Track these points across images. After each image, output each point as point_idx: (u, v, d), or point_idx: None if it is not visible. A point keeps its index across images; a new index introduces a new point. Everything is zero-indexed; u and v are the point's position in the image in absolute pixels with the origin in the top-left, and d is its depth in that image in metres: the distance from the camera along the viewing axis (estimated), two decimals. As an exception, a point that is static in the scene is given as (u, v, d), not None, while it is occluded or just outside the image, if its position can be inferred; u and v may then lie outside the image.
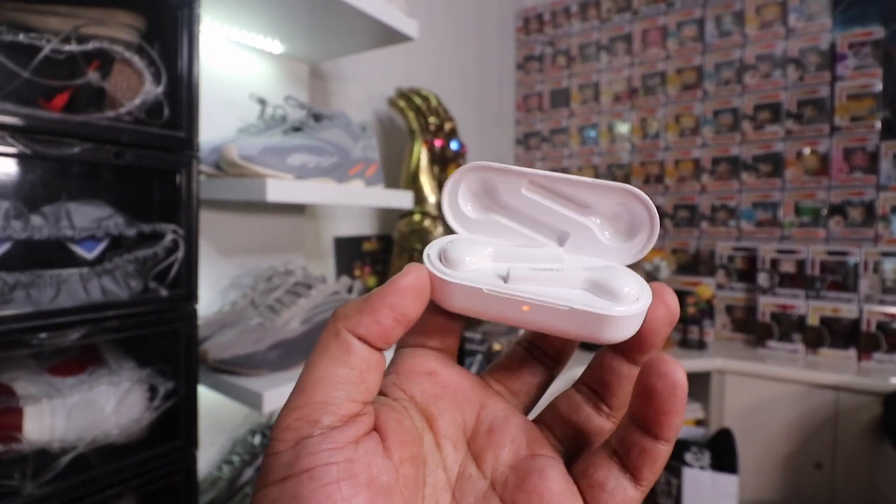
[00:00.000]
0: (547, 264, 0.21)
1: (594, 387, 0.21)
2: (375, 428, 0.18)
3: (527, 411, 0.23)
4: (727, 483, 1.14)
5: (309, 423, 0.17)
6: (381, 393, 0.21)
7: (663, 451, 0.17)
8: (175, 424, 0.60)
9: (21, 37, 0.46)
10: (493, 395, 0.22)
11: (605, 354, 0.21)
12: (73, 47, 0.48)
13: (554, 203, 0.23)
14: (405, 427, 0.19)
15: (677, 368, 0.16)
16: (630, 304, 0.19)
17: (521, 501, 0.18)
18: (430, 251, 0.21)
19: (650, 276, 1.52)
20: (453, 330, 0.22)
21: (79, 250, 0.53)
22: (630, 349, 0.20)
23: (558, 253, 0.22)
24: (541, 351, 0.23)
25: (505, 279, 0.20)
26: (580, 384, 0.22)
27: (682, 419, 0.17)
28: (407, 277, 0.18)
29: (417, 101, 1.23)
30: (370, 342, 0.18)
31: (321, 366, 0.18)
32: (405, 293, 0.18)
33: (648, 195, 0.22)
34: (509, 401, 0.22)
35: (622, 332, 0.19)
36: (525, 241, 0.23)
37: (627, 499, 0.18)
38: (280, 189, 0.70)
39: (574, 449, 0.21)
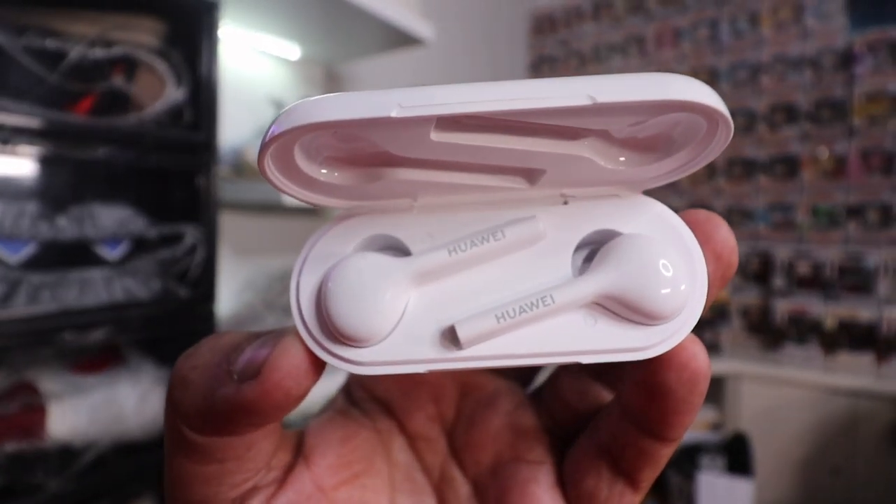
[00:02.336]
0: (518, 261, 0.13)
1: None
2: (304, 454, 0.15)
3: (529, 381, 0.18)
4: (742, 488, 1.13)
5: None
6: (346, 390, 0.18)
7: (668, 451, 0.13)
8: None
9: (49, 42, 0.47)
10: (480, 375, 0.17)
11: None
12: (98, 52, 0.49)
13: (504, 141, 0.12)
14: (353, 444, 0.16)
15: (699, 354, 0.12)
16: (674, 322, 0.12)
17: None
18: (302, 299, 0.12)
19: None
20: None
21: (102, 251, 0.54)
22: None
23: (533, 231, 0.13)
24: None
25: (454, 341, 0.12)
26: None
27: (696, 417, 0.13)
28: (268, 388, 0.11)
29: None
30: (232, 435, 0.13)
31: (178, 463, 0.13)
32: (264, 412, 0.11)
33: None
34: (504, 373, 0.18)
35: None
36: (460, 193, 0.13)
37: None
38: (297, 191, 0.70)
39: (577, 435, 0.16)
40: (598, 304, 0.12)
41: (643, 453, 0.13)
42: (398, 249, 0.13)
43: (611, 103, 0.10)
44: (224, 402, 0.11)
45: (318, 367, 0.12)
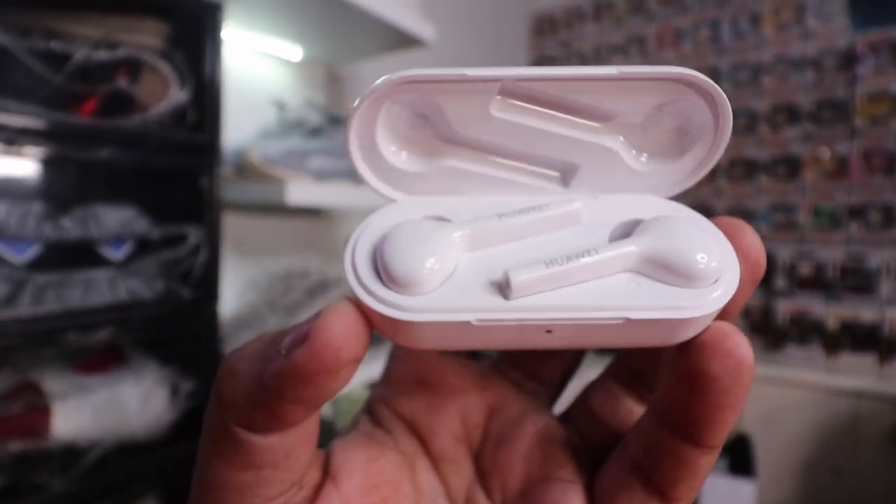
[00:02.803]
0: (560, 236, 0.13)
1: (638, 369, 0.16)
2: (331, 473, 0.15)
3: (555, 399, 0.18)
4: (745, 488, 1.13)
5: None
6: (368, 409, 0.17)
7: (708, 461, 0.13)
8: (196, 424, 0.61)
9: (53, 44, 0.47)
10: (507, 394, 0.17)
11: None
12: (103, 54, 0.50)
13: (547, 122, 0.14)
14: (380, 464, 0.15)
15: (742, 343, 0.11)
16: (714, 287, 0.12)
17: None
18: (357, 259, 0.13)
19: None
20: None
21: (106, 251, 0.54)
22: None
23: (572, 210, 0.14)
24: None
25: (503, 291, 0.12)
26: (619, 366, 0.16)
27: (737, 416, 0.12)
28: (318, 348, 0.11)
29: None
30: (279, 429, 0.12)
31: (215, 469, 0.13)
32: (315, 377, 0.11)
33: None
34: (533, 391, 0.17)
35: (702, 327, 0.12)
36: (504, 191, 0.15)
37: None
38: (299, 191, 0.71)
39: (609, 453, 0.15)
40: (639, 272, 0.12)
41: (680, 463, 0.12)
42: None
43: (632, 74, 0.12)
44: (274, 376, 0.11)
45: (367, 328, 0.12)
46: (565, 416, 0.17)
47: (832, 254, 1.38)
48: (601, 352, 1.06)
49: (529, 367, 0.17)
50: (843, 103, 1.44)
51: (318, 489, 0.14)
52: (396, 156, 0.14)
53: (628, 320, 0.12)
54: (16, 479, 0.48)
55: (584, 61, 1.89)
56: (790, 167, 1.52)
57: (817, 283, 1.39)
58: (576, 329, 0.12)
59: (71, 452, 0.52)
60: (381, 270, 0.12)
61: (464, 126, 0.14)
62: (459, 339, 0.12)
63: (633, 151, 0.14)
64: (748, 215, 1.58)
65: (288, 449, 0.13)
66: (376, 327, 0.12)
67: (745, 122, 1.59)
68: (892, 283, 1.32)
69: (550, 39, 1.97)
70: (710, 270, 0.12)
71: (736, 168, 1.60)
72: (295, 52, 0.94)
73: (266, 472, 0.13)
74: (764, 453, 1.26)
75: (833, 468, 1.22)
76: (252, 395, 0.12)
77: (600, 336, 0.12)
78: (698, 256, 0.12)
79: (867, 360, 1.31)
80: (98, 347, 0.58)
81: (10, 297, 0.47)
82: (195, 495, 0.13)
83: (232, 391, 0.12)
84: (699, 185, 1.37)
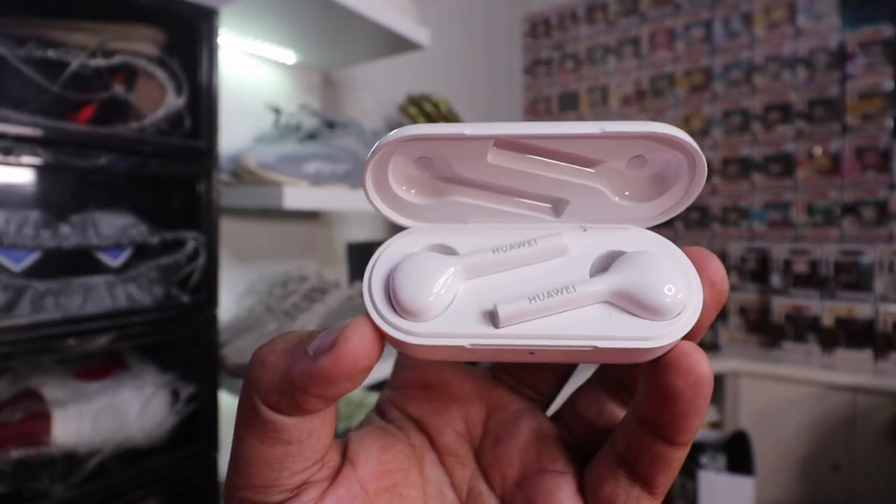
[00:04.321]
0: (547, 267, 0.16)
1: (620, 377, 0.18)
2: (349, 458, 0.17)
3: (548, 405, 0.20)
4: (743, 486, 1.14)
5: None
6: (379, 410, 0.20)
7: (680, 455, 0.15)
8: (196, 428, 0.61)
9: (50, 53, 0.48)
10: (504, 397, 0.19)
11: None
12: (99, 61, 0.50)
13: (539, 167, 0.16)
14: (392, 454, 0.17)
15: (701, 361, 0.13)
16: (677, 317, 0.14)
17: None
18: (373, 285, 0.15)
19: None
20: None
21: (105, 258, 0.54)
22: None
23: (558, 244, 0.16)
24: None
25: (493, 320, 0.14)
26: (604, 374, 0.18)
27: (703, 419, 0.14)
28: (346, 358, 0.13)
29: (428, 107, 1.24)
30: (301, 414, 0.15)
31: (248, 444, 0.15)
32: (336, 380, 0.13)
33: None
34: (528, 396, 0.19)
35: (668, 348, 0.14)
36: (502, 220, 0.17)
37: None
38: (296, 196, 0.71)
39: (596, 450, 0.18)
40: (612, 303, 0.14)
41: (657, 458, 0.15)
42: (453, 255, 0.16)
43: (613, 133, 0.14)
44: (301, 374, 0.14)
45: (381, 343, 0.14)
46: (556, 417, 0.19)
47: (827, 251, 1.39)
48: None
49: (524, 377, 0.19)
50: (834, 101, 1.46)
51: (337, 470, 0.16)
52: (407, 193, 0.16)
53: (596, 348, 0.14)
54: (17, 486, 0.48)
55: (577, 63, 1.90)
56: (784, 165, 1.53)
57: (812, 280, 1.40)
58: (554, 352, 0.14)
59: (72, 459, 0.53)
60: (393, 299, 0.14)
61: (464, 171, 0.16)
62: (457, 356, 0.15)
63: (617, 190, 0.16)
64: (743, 213, 1.59)
65: (310, 429, 0.15)
66: (389, 342, 0.15)
67: (739, 122, 1.60)
68: (886, 278, 1.33)
69: (544, 42, 1.98)
70: (674, 303, 0.14)
71: (730, 167, 1.61)
72: (289, 56, 0.95)
73: (293, 447, 0.15)
74: (762, 450, 1.26)
75: (831, 463, 1.22)
76: (279, 385, 0.14)
77: (576, 357, 0.15)
78: (664, 291, 0.14)
79: (863, 356, 1.32)
80: (97, 354, 0.58)
81: (9, 305, 0.47)
82: (231, 476, 0.15)
83: (261, 379, 0.14)
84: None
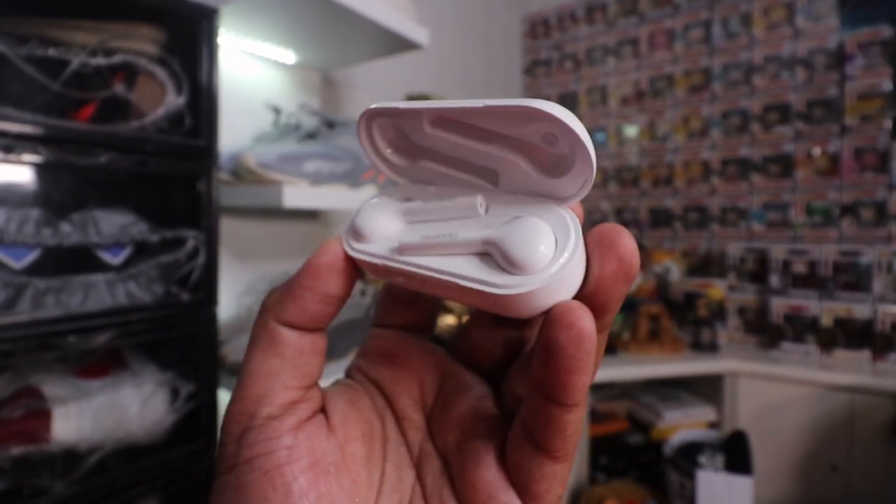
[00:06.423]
0: (459, 219, 0.18)
1: None
2: (323, 409, 0.19)
3: (498, 376, 0.21)
4: (742, 485, 1.14)
5: (248, 416, 0.18)
6: (348, 374, 0.22)
7: (572, 418, 0.15)
8: (196, 426, 0.61)
9: (51, 51, 0.48)
10: (458, 371, 0.21)
11: None
12: (99, 60, 0.50)
13: (469, 139, 0.19)
14: (358, 407, 0.20)
15: (584, 317, 0.14)
16: (535, 274, 0.15)
17: (461, 488, 0.18)
18: (353, 219, 0.20)
19: (660, 279, 1.52)
20: (417, 305, 0.22)
21: (105, 256, 0.54)
22: None
23: (473, 202, 0.18)
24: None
25: (401, 250, 0.18)
26: (531, 353, 0.19)
27: (590, 379, 0.15)
28: (321, 257, 0.18)
29: (427, 107, 1.24)
30: (300, 327, 0.18)
31: (253, 359, 0.18)
32: (323, 274, 0.18)
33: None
34: (480, 373, 0.21)
35: (533, 306, 0.15)
36: (457, 186, 0.20)
37: (546, 475, 0.16)
38: (296, 195, 0.71)
39: None
40: (489, 254, 0.16)
41: (550, 420, 0.15)
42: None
43: (493, 106, 0.16)
44: (297, 275, 0.18)
45: (342, 250, 0.19)
46: (498, 392, 0.21)
47: (825, 251, 1.39)
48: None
49: (474, 351, 0.21)
50: (833, 102, 1.46)
51: (315, 412, 0.19)
52: (392, 155, 0.21)
53: (458, 286, 0.16)
54: (17, 483, 0.49)
55: (576, 64, 1.90)
56: (782, 166, 1.53)
57: (811, 280, 1.40)
58: (436, 284, 0.17)
59: (72, 456, 0.53)
60: (353, 227, 0.19)
61: (420, 140, 0.20)
62: (379, 274, 0.19)
63: (535, 165, 0.18)
64: (742, 214, 1.59)
65: (303, 348, 0.18)
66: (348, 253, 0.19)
67: (738, 122, 1.60)
68: (884, 279, 1.33)
69: (544, 42, 1.98)
70: (533, 261, 0.15)
71: (729, 167, 1.61)
72: (289, 56, 0.95)
73: (287, 361, 0.18)
74: (760, 450, 1.27)
75: (829, 463, 1.23)
76: (284, 294, 0.18)
77: (455, 293, 0.17)
78: (525, 248, 0.15)
79: (861, 356, 1.32)
80: (98, 351, 0.58)
81: (9, 302, 0.48)
82: (234, 394, 0.18)
83: (271, 297, 0.18)
84: (693, 186, 1.38)
